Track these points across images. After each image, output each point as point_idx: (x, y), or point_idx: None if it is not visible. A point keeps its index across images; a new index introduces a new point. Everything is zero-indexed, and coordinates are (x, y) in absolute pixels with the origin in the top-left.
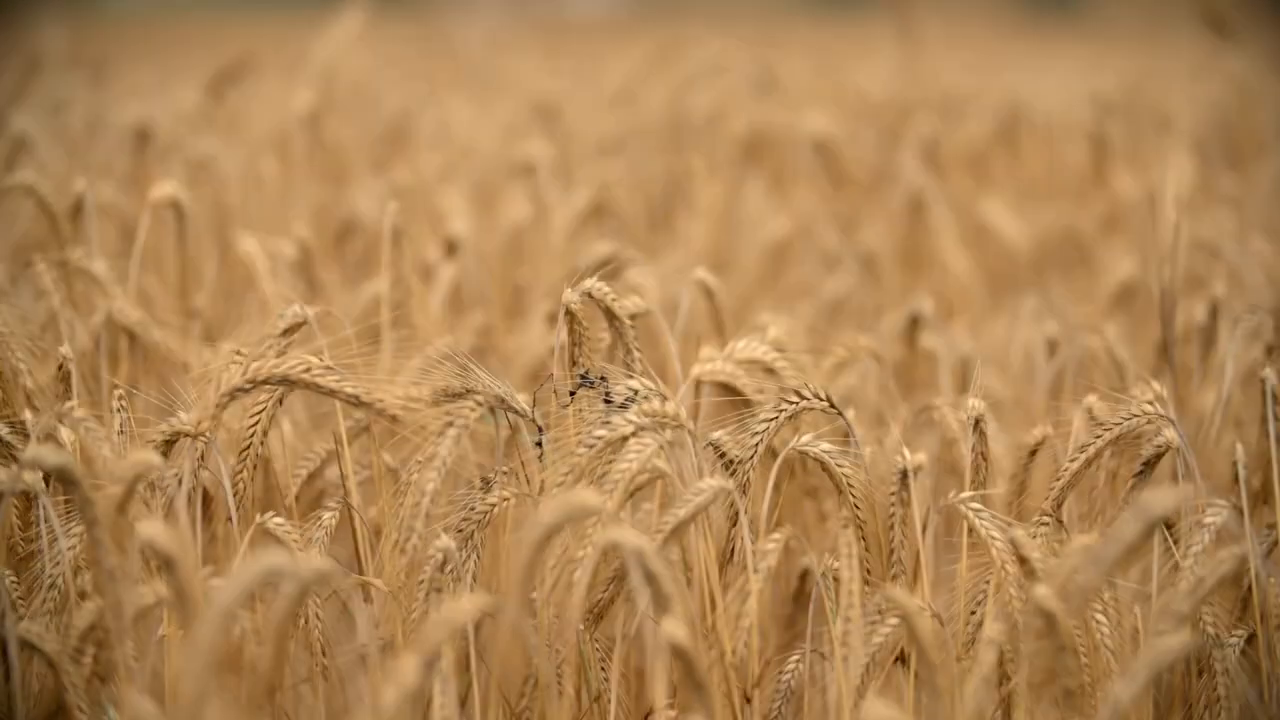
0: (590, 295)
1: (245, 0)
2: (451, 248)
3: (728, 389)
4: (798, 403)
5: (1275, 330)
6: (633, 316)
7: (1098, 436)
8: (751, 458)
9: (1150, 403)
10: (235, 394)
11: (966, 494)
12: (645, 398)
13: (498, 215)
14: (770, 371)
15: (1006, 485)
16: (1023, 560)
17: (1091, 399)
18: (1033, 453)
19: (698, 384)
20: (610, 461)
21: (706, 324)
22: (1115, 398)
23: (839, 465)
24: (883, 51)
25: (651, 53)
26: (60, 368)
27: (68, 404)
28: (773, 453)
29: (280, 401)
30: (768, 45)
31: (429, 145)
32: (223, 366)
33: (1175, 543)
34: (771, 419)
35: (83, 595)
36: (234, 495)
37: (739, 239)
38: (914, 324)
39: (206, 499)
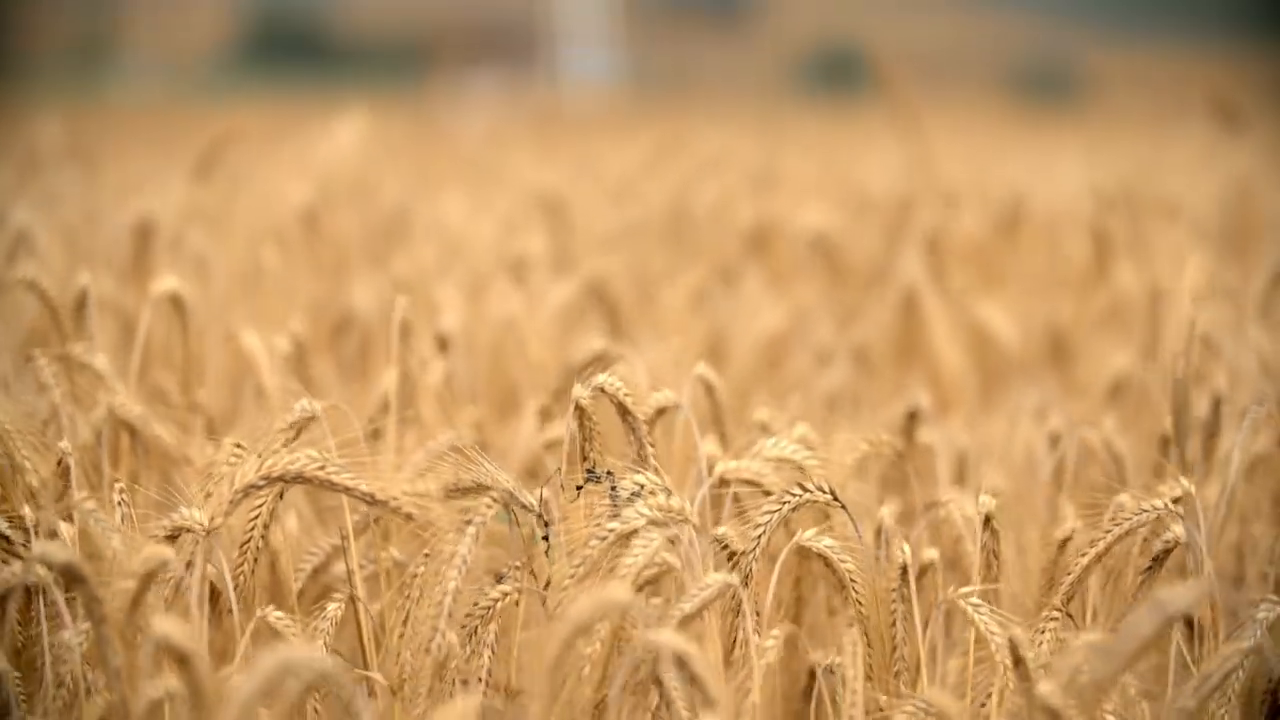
0: (603, 390)
1: (245, 87)
2: (444, 343)
3: (748, 483)
4: (800, 495)
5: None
6: (659, 411)
7: (1107, 532)
8: (754, 551)
9: (1164, 499)
10: (249, 490)
11: (966, 589)
12: (652, 492)
13: (493, 308)
14: (798, 468)
15: (1030, 580)
16: (1018, 660)
17: (1122, 497)
18: (1061, 546)
19: (720, 480)
20: (618, 556)
21: (706, 417)
22: (1128, 493)
23: (842, 561)
24: (883, 143)
25: (652, 148)
26: (60, 462)
27: (78, 496)
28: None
29: (281, 495)
30: (767, 136)
31: (426, 239)
32: (229, 462)
33: (1197, 638)
34: (774, 511)
35: (89, 692)
36: (235, 589)
37: (735, 331)
38: (912, 418)
39: (213, 593)
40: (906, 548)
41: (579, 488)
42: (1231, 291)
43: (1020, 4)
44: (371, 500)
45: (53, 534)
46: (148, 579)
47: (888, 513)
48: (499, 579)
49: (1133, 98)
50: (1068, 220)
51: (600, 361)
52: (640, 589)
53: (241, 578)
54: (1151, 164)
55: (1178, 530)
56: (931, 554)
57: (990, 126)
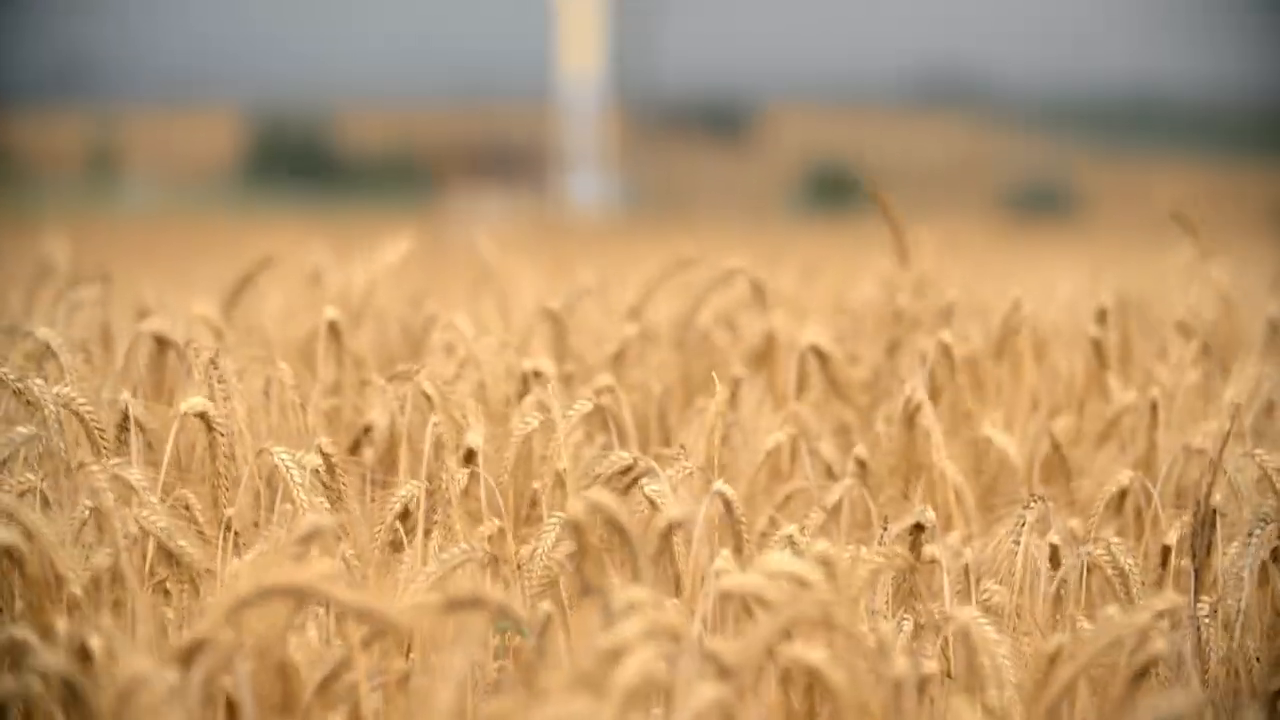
0: (601, 507)
1: (251, 202)
2: (471, 456)
3: (753, 597)
4: (800, 610)
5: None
6: (670, 525)
7: (1094, 643)
8: (748, 664)
9: (1152, 611)
10: (246, 603)
11: (961, 702)
12: (648, 608)
13: (508, 424)
14: (802, 584)
15: (1016, 693)
16: None
17: (1111, 609)
18: (1053, 658)
19: (722, 595)
20: (612, 669)
21: (719, 533)
22: (1119, 605)
23: (832, 675)
24: (882, 260)
25: (654, 266)
26: (93, 576)
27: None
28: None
29: (298, 606)
30: (768, 251)
31: (441, 354)
32: (244, 575)
33: None
34: (770, 626)
35: None
36: (251, 700)
37: (738, 448)
38: (916, 532)
39: (228, 704)
40: (906, 661)
41: (578, 601)
42: (1227, 405)
43: (1015, 122)
44: (369, 616)
45: (81, 648)
46: (129, 695)
47: (890, 626)
48: (495, 691)
49: (1128, 213)
50: (1064, 335)
51: (616, 475)
52: (633, 702)
53: (260, 689)
54: (1146, 278)
55: (1161, 644)
56: (931, 666)
57: (987, 242)
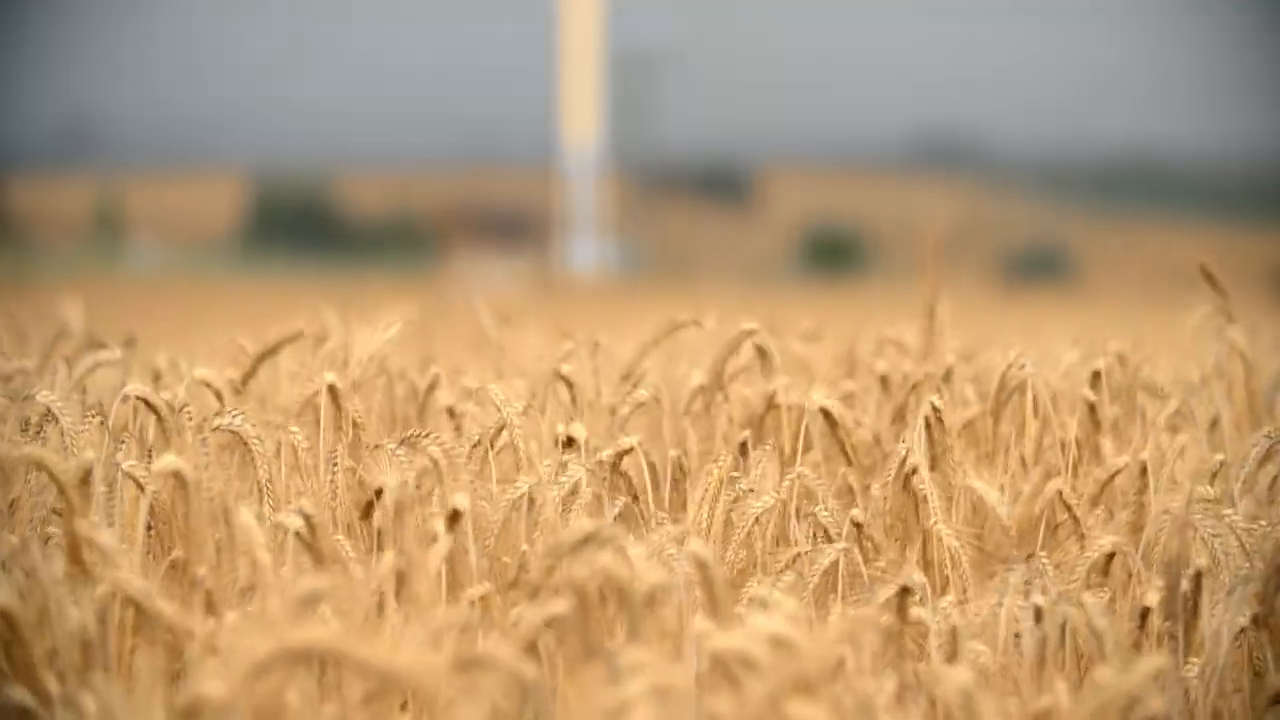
0: (598, 570)
1: (252, 261)
2: (454, 518)
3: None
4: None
5: (1260, 600)
6: (653, 591)
7: (1084, 706)
8: None
9: (1142, 674)
10: (264, 667)
11: None
12: (646, 670)
13: (505, 486)
14: (782, 645)
15: None
16: None
17: (1102, 670)
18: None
19: (712, 656)
20: None
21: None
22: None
23: None
24: (880, 321)
25: (658, 328)
26: (81, 635)
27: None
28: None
29: (292, 667)
30: (769, 314)
31: (442, 418)
32: (245, 637)
33: None
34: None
35: None
36: None
37: (736, 507)
38: (904, 595)
39: None
40: None
41: (577, 666)
42: (1219, 469)
43: (1013, 185)
44: (382, 675)
45: (75, 707)
46: None
47: (873, 686)
48: None
49: (1126, 276)
50: (1062, 398)
51: (604, 539)
52: None
53: None
54: (1144, 342)
55: (1156, 705)
56: None
57: (986, 305)
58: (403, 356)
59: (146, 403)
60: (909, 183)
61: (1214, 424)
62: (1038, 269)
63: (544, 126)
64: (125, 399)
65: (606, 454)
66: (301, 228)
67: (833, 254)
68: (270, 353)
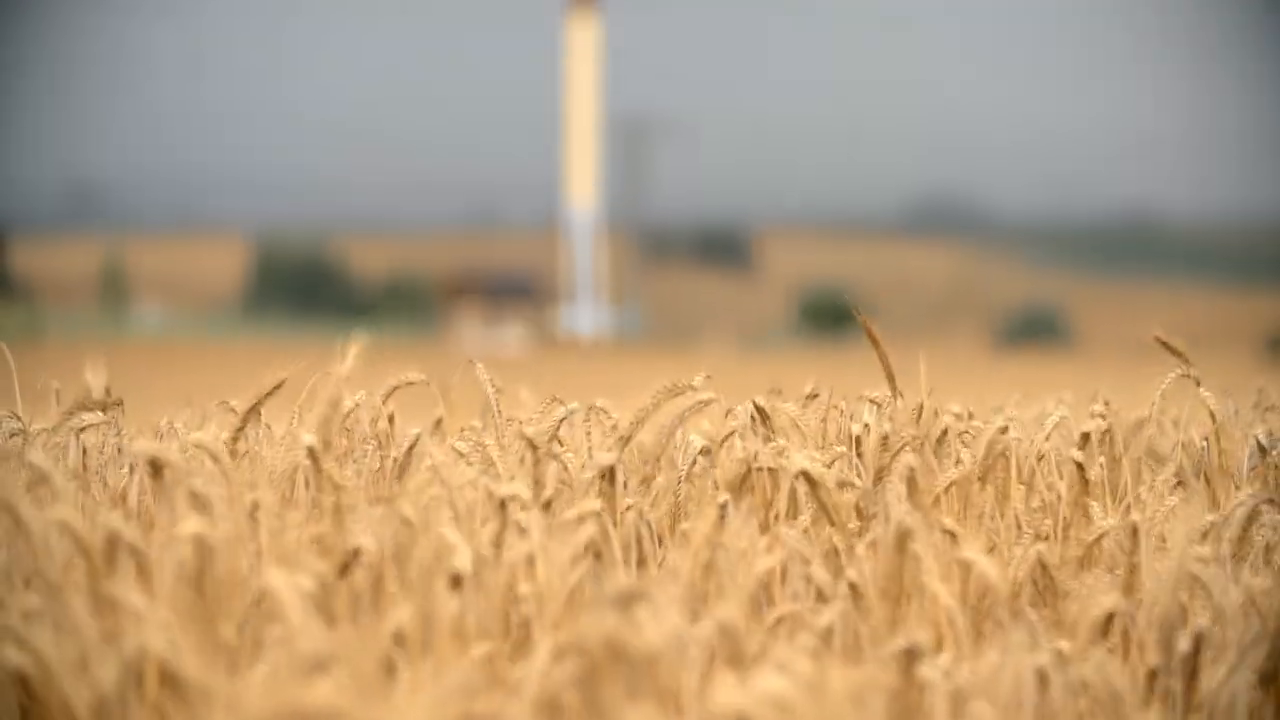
0: (599, 633)
1: (256, 322)
2: (457, 581)
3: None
4: None
5: (1267, 659)
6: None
7: None
8: None
9: None
10: None
11: None
12: None
13: (503, 548)
14: (786, 706)
15: None
16: None
17: None
18: None
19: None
20: None
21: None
22: None
23: None
24: (875, 385)
25: (656, 390)
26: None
27: None
28: None
29: None
30: (765, 375)
31: (436, 479)
32: (256, 697)
33: None
34: None
35: None
36: None
37: (730, 572)
38: (908, 655)
39: None
40: None
41: None
42: (1211, 529)
43: (1008, 248)
44: None
45: None
46: None
47: None
48: None
49: (1120, 338)
50: (1052, 460)
51: (608, 599)
52: None
53: None
54: (1135, 403)
55: None
56: None
57: (980, 366)
58: (401, 418)
59: (156, 463)
60: (906, 245)
61: (1184, 484)
62: (1033, 330)
63: (545, 191)
64: (123, 459)
65: (599, 513)
66: (304, 290)
67: (830, 316)
68: (253, 410)
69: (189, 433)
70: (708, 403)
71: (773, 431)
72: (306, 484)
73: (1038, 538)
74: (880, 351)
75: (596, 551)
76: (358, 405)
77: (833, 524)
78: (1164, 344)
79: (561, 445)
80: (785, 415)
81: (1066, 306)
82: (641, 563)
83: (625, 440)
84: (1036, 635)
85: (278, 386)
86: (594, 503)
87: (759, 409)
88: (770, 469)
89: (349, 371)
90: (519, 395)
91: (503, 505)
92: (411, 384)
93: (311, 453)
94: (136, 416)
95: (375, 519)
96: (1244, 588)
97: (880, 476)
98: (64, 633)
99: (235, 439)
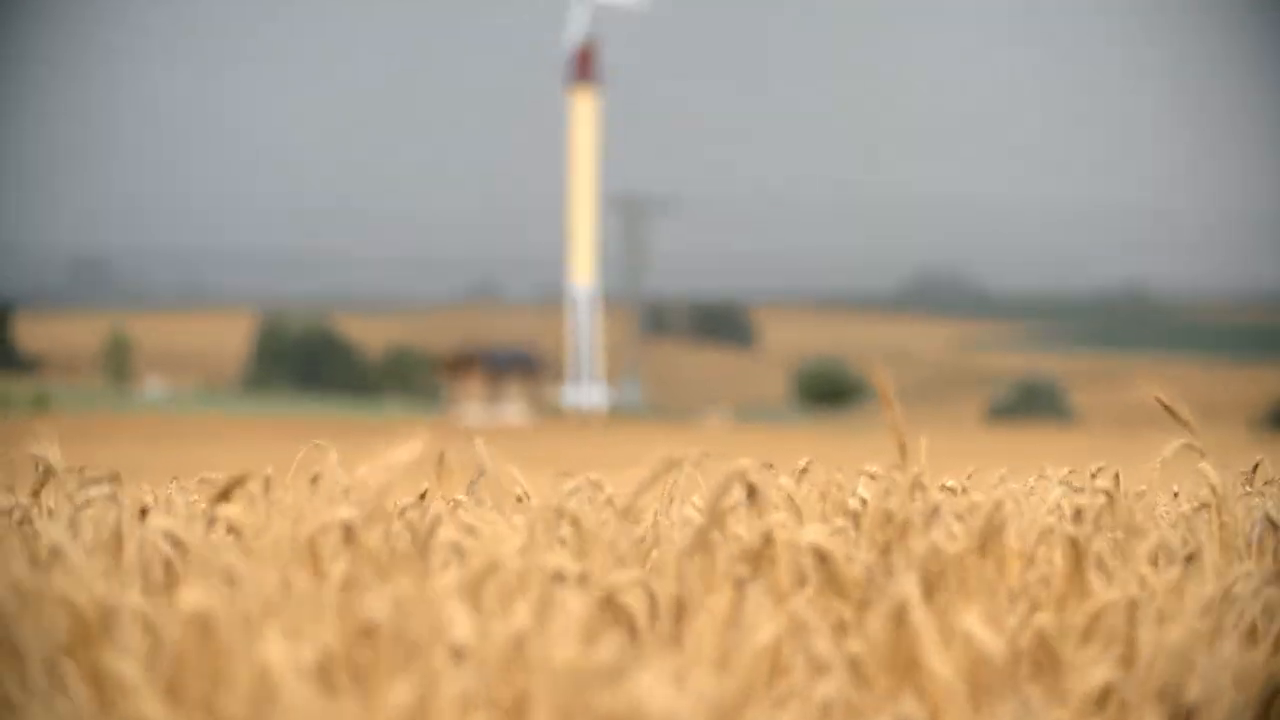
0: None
1: (260, 397)
2: (459, 654)
3: None
4: None
5: None
6: None
7: None
8: None
9: None
10: None
11: None
12: None
13: (510, 620)
14: None
15: None
16: None
17: None
18: None
19: None
20: None
21: None
22: None
23: None
24: (875, 459)
25: (660, 466)
26: None
27: None
28: None
29: None
30: (766, 449)
31: (444, 551)
32: None
33: None
34: None
35: None
36: None
37: (736, 643)
38: None
39: None
40: None
41: None
42: (1205, 603)
43: (1004, 323)
44: None
45: None
46: None
47: None
48: None
49: (1114, 413)
50: (1049, 533)
51: (613, 673)
52: None
53: None
54: (1130, 477)
55: None
56: None
57: (977, 440)
58: (404, 491)
59: (172, 538)
60: (903, 320)
61: (1192, 558)
62: (1029, 404)
63: (546, 267)
64: (134, 531)
65: (606, 588)
66: (307, 365)
67: (829, 390)
68: (236, 485)
69: (191, 505)
70: (704, 476)
71: (764, 506)
72: (329, 557)
73: (1035, 610)
74: (892, 417)
75: (621, 622)
76: (405, 506)
77: (840, 597)
78: (1166, 408)
79: (570, 521)
80: (782, 489)
81: (1061, 380)
82: (650, 632)
83: (625, 513)
84: (1033, 708)
85: (243, 480)
86: (631, 573)
87: (750, 485)
88: (775, 543)
89: (400, 461)
90: (517, 469)
91: (551, 577)
92: (417, 460)
93: (347, 529)
94: (139, 488)
95: (392, 593)
96: (1239, 662)
97: (883, 551)
98: (58, 705)
99: (222, 508)
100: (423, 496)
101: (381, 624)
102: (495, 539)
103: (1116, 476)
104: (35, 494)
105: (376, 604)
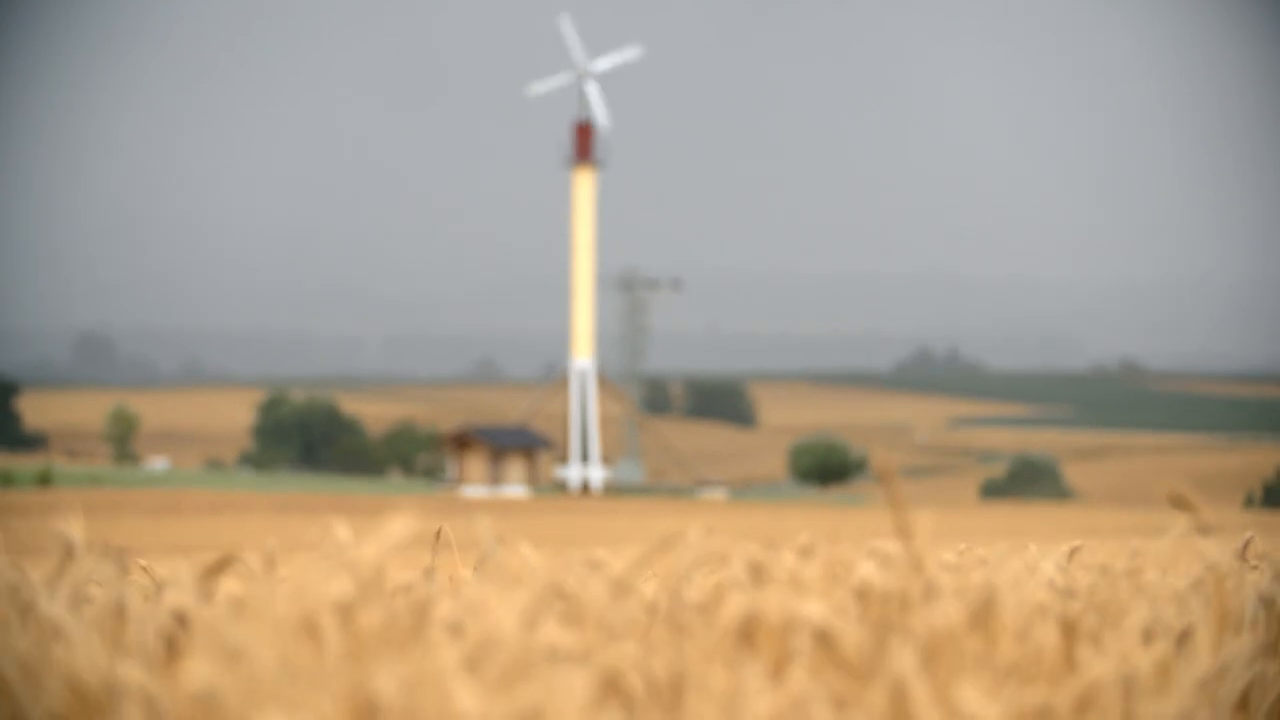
0: None
1: (263, 472)
2: None
3: None
4: None
5: None
6: None
7: None
8: None
9: None
10: None
11: None
12: None
13: (514, 697)
14: None
15: None
16: None
17: None
18: None
19: None
20: None
21: None
22: None
23: None
24: (874, 533)
25: (657, 542)
26: None
27: None
28: None
29: None
30: (765, 525)
31: (446, 630)
32: None
33: None
34: None
35: None
36: None
37: (734, 718)
38: None
39: None
40: None
41: None
42: (1199, 679)
43: (999, 401)
44: None
45: None
46: None
47: None
48: None
49: (1110, 490)
50: (1043, 610)
51: None
52: None
53: None
54: (1126, 555)
55: None
56: None
57: (973, 518)
58: (407, 567)
59: (177, 614)
60: (899, 399)
61: (1186, 634)
62: (1025, 482)
63: (547, 346)
64: (151, 613)
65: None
66: (310, 442)
67: (826, 466)
68: (222, 567)
69: (194, 580)
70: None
71: (769, 582)
72: (330, 633)
73: (1027, 684)
74: (892, 494)
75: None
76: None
77: (839, 672)
78: (1180, 499)
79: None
80: (785, 568)
81: (1058, 457)
82: (649, 707)
83: (625, 589)
84: None
85: (229, 559)
86: (629, 648)
87: (755, 564)
88: (773, 619)
89: (389, 542)
90: (517, 545)
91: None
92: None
93: (347, 605)
94: (144, 562)
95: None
96: None
97: (883, 628)
98: None
99: (214, 583)
100: (425, 572)
101: (388, 700)
102: (495, 615)
103: (1102, 551)
104: (55, 572)
105: (383, 680)
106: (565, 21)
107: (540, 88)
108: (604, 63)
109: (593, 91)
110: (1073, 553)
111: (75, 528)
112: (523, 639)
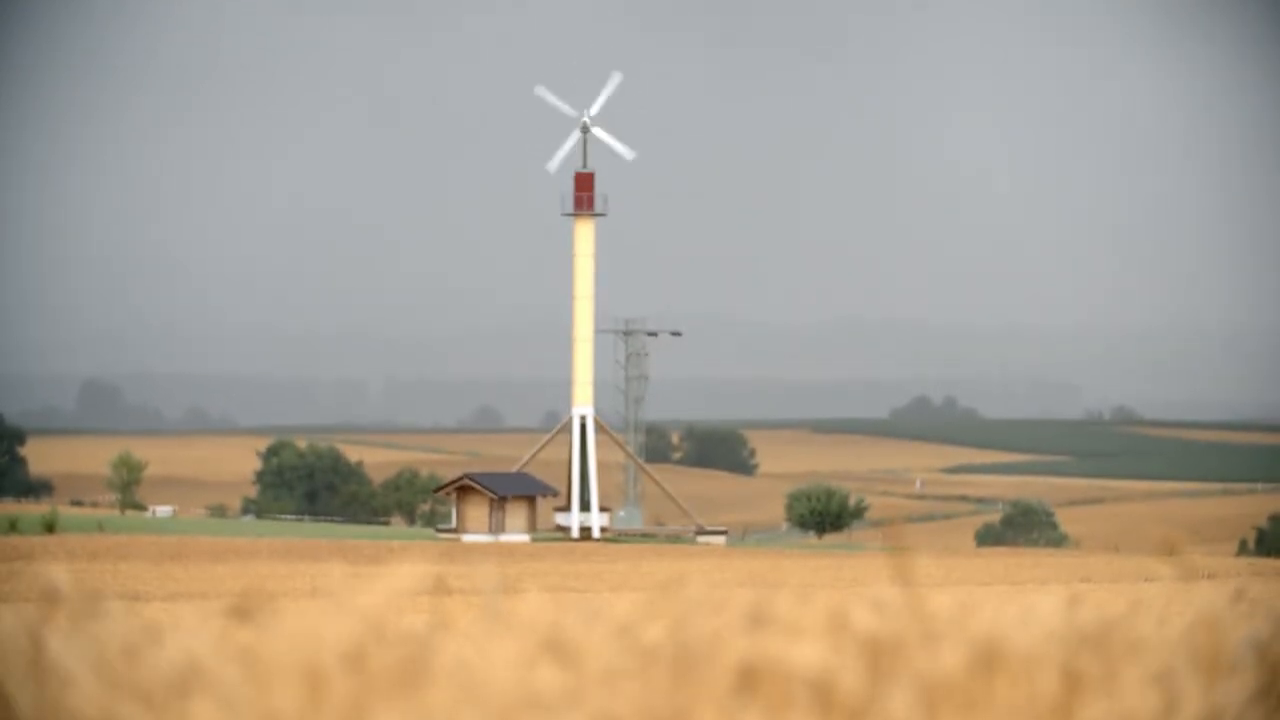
0: None
1: (268, 520)
2: None
3: None
4: None
5: None
6: None
7: None
8: None
9: None
10: None
11: None
12: None
13: None
14: None
15: None
16: None
17: None
18: None
19: None
20: None
21: None
22: None
23: None
24: (870, 583)
25: (656, 589)
26: None
27: None
28: None
29: None
30: (764, 571)
31: (446, 677)
32: None
33: None
34: None
35: None
36: None
37: None
38: None
39: None
40: None
41: None
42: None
43: (997, 449)
44: None
45: None
46: None
47: None
48: None
49: (1108, 537)
50: (1041, 657)
51: None
52: None
53: None
54: (1124, 602)
55: None
56: None
57: (970, 565)
58: (411, 615)
59: (183, 659)
60: (898, 445)
61: (1179, 680)
62: (1020, 527)
63: (548, 394)
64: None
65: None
66: (314, 489)
67: (824, 513)
68: (240, 613)
69: (199, 625)
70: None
71: (769, 627)
72: (333, 678)
73: None
74: (891, 541)
75: None
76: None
77: (834, 715)
78: (1173, 546)
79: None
80: (784, 614)
81: (1051, 502)
82: None
83: (625, 635)
84: None
85: (259, 599)
86: (627, 691)
87: (750, 610)
88: (769, 666)
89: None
90: (519, 592)
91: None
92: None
93: (345, 658)
94: (149, 610)
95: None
96: None
97: (882, 674)
98: None
99: (235, 622)
100: (426, 618)
101: None
102: (495, 660)
103: (1099, 598)
104: (44, 617)
105: None
106: (542, 89)
107: (554, 162)
108: (595, 106)
109: (602, 134)
110: (1071, 600)
111: (62, 575)
112: (520, 684)
